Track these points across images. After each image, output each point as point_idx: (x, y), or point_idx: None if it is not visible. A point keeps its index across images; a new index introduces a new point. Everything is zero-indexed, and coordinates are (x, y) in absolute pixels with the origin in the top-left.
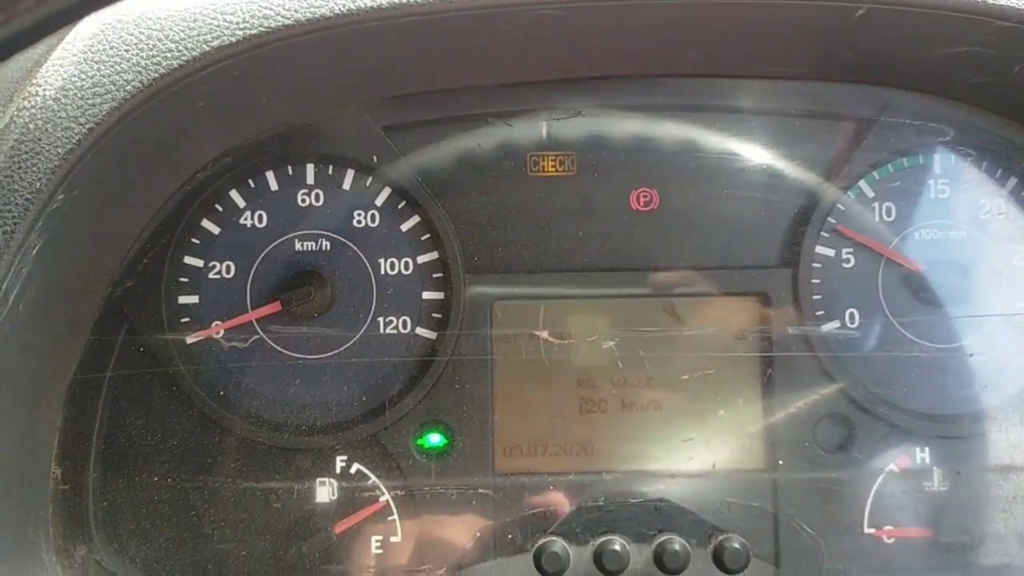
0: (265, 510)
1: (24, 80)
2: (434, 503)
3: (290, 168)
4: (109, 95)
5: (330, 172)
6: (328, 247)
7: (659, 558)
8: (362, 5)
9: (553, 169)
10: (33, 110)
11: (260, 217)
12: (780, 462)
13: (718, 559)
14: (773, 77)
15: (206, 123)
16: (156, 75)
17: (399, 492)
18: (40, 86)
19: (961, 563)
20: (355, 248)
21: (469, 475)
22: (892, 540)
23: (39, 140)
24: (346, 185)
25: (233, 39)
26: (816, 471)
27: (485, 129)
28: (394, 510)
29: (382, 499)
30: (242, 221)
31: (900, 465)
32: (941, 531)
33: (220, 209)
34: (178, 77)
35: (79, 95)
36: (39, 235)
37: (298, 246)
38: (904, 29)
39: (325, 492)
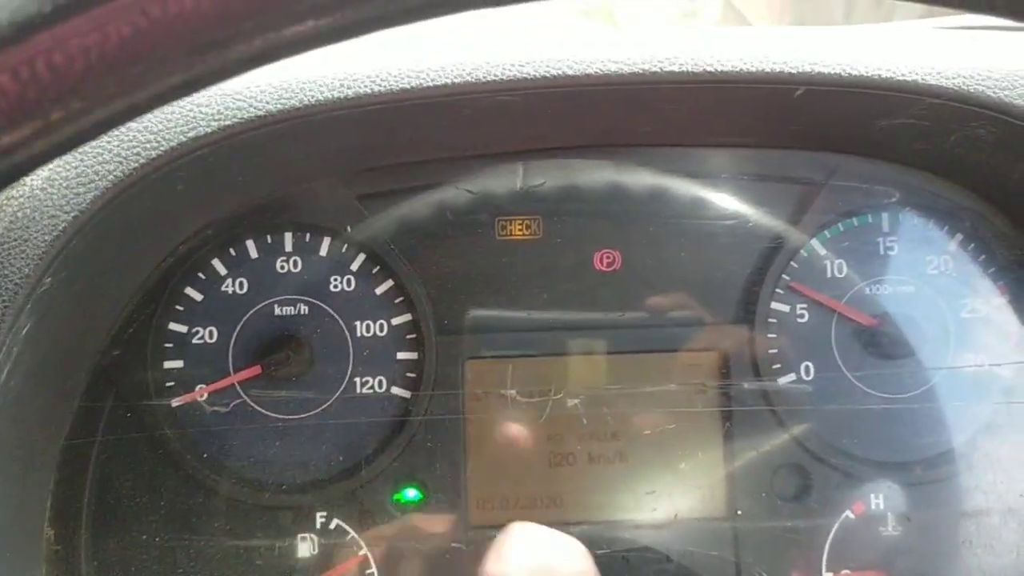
0: (249, 567)
1: None
2: (410, 557)
3: (269, 237)
4: (92, 184)
5: (307, 240)
6: (306, 311)
7: None
8: (329, 96)
9: (520, 233)
10: (21, 199)
11: (241, 284)
12: (739, 511)
13: None
14: (726, 146)
15: (187, 203)
16: (136, 164)
17: (377, 546)
18: (28, 176)
19: None
20: (332, 312)
21: (443, 528)
22: None
23: (27, 228)
24: (323, 252)
25: (208, 129)
26: (774, 519)
27: (455, 196)
28: (372, 563)
29: (361, 553)
30: (223, 288)
31: (855, 511)
32: (895, 574)
33: (202, 277)
34: (157, 166)
35: (64, 184)
36: (28, 317)
37: (277, 311)
38: (844, 104)
39: (306, 548)
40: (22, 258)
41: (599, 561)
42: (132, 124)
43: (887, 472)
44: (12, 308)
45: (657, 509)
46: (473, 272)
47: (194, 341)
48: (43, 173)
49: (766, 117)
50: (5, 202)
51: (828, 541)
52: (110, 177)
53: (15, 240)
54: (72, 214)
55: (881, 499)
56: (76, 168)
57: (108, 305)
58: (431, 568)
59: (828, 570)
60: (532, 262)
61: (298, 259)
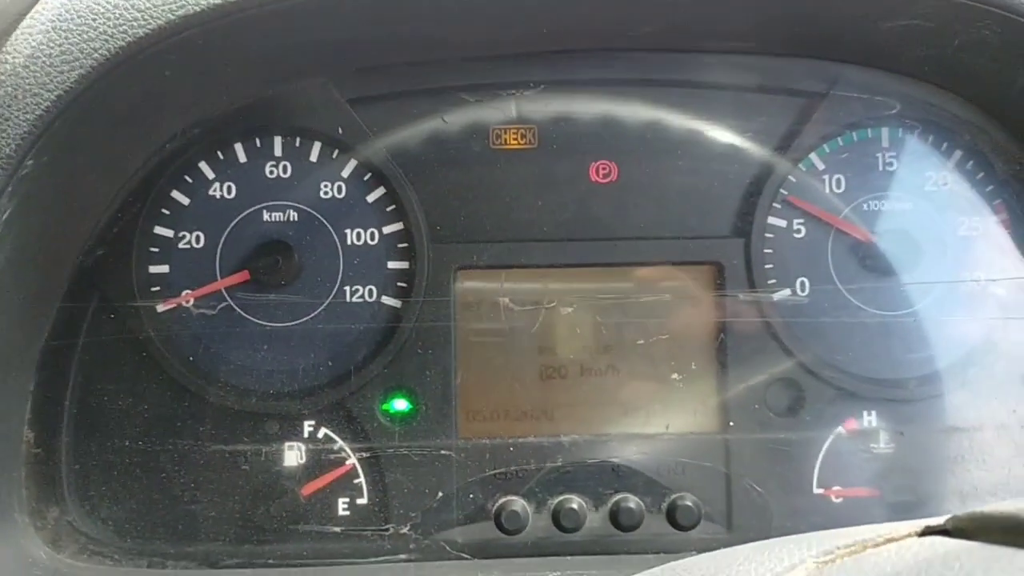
0: (234, 473)
1: None
2: (399, 466)
3: (258, 140)
4: (77, 63)
5: (297, 144)
6: (296, 218)
7: (615, 517)
8: None
9: (515, 142)
10: (2, 77)
11: (229, 188)
12: (731, 424)
13: (671, 517)
14: (726, 52)
15: (174, 93)
16: (123, 43)
17: (365, 455)
18: (9, 54)
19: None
20: (322, 219)
21: (432, 438)
22: (840, 500)
23: (9, 107)
24: (313, 157)
25: (197, 8)
26: (766, 433)
27: (449, 103)
28: (360, 473)
29: (348, 462)
30: (211, 192)
31: (847, 428)
32: (887, 491)
33: (189, 180)
34: (144, 46)
35: (48, 63)
36: (9, 200)
37: (266, 216)
38: (847, 1)
39: (293, 456)
40: (3, 138)
41: (589, 471)
42: (119, 2)
43: (880, 388)
44: None
45: (648, 421)
46: (467, 181)
47: (180, 246)
48: (25, 51)
49: (768, 17)
50: None
51: (820, 457)
52: (95, 55)
53: None
54: (56, 93)
55: (874, 416)
56: (60, 46)
57: (92, 201)
58: (419, 478)
59: (819, 486)
60: (527, 172)
61: (288, 164)
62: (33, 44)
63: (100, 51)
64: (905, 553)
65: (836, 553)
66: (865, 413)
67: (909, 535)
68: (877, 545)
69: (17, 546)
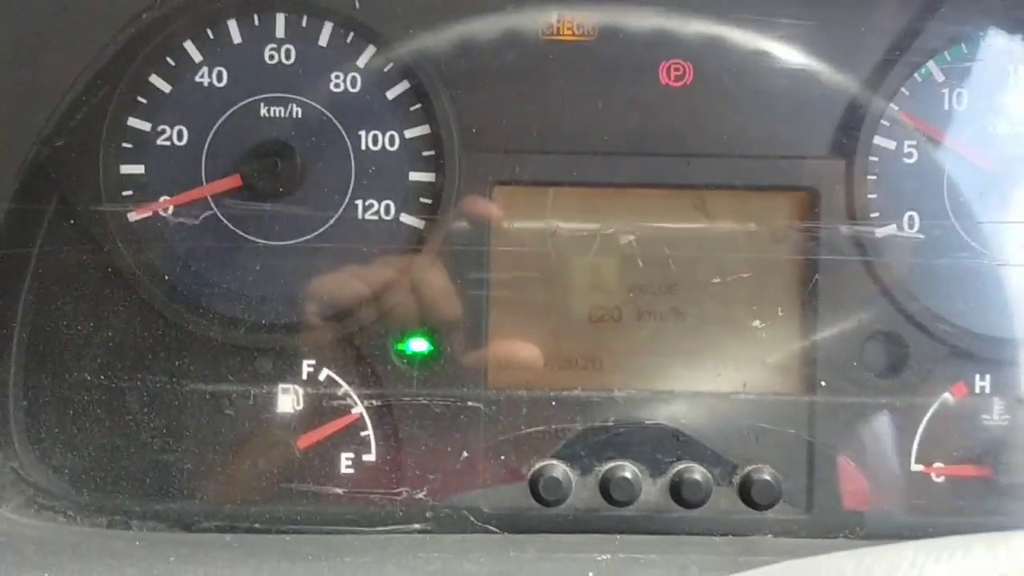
0: (215, 418)
1: None
2: (415, 418)
3: (256, 17)
4: None
5: (304, 24)
6: (300, 114)
7: (676, 489)
8: None
9: (570, 32)
10: None
11: (219, 75)
12: (822, 383)
13: (745, 493)
14: None
15: None
16: None
17: (375, 403)
18: None
19: (1022, 508)
20: (331, 117)
21: (457, 386)
22: (942, 479)
23: None
24: (322, 41)
25: None
26: (862, 396)
27: None
28: (368, 424)
29: (354, 411)
30: (198, 79)
31: (956, 393)
32: (1000, 470)
33: (172, 63)
34: None
35: None
36: None
37: (264, 111)
38: None
39: (288, 400)
40: None
41: (646, 434)
42: None
43: (998, 348)
44: None
45: (720, 377)
46: (510, 77)
47: (159, 142)
48: None
49: None
50: None
51: (921, 427)
52: None
53: None
54: None
55: (988, 381)
56: None
57: (50, 79)
58: (440, 434)
59: (918, 461)
60: (583, 69)
61: (291, 48)
62: None
63: None
64: None
65: None
66: (978, 377)
67: None
68: None
69: None
